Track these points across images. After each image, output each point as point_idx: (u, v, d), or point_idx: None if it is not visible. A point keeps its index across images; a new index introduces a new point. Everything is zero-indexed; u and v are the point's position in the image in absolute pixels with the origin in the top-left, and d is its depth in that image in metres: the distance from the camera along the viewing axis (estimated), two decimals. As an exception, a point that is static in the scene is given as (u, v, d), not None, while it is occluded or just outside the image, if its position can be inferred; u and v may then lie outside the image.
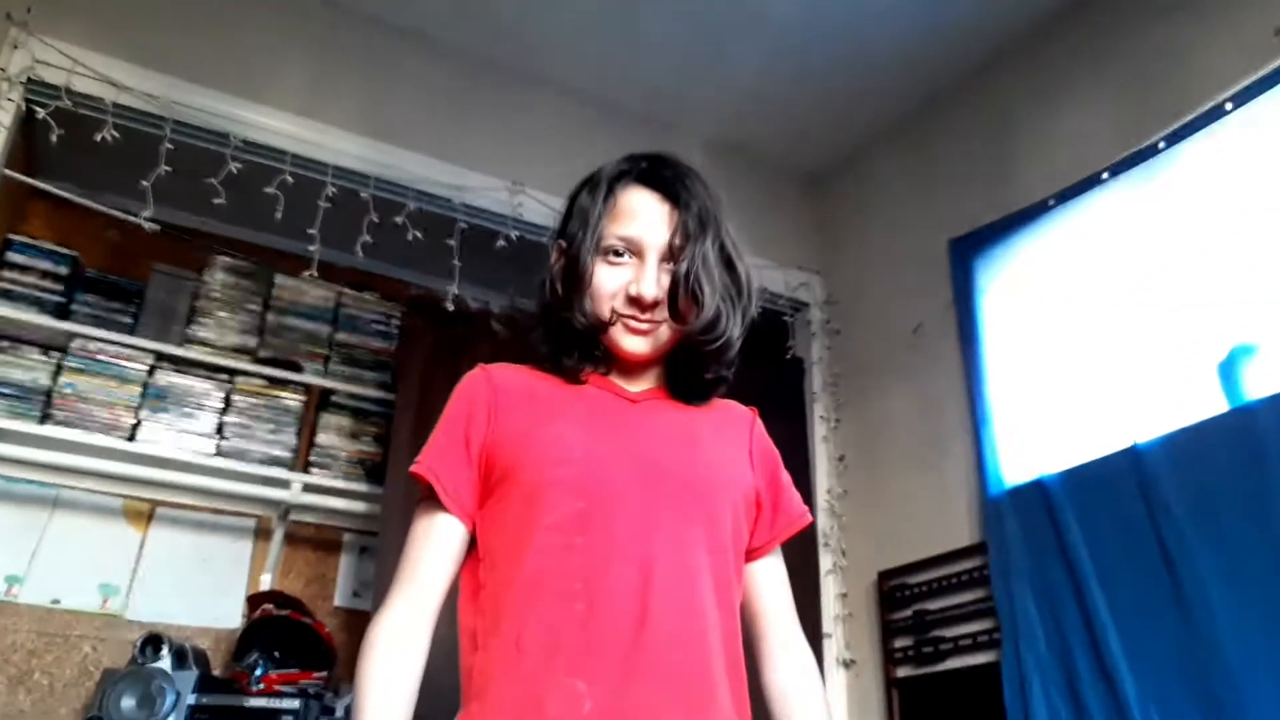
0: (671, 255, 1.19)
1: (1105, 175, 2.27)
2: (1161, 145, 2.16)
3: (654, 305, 1.18)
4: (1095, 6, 2.45)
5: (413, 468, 1.17)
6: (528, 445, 1.14)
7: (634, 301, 1.18)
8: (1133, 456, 2.01)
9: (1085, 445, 2.13)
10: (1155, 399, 2.02)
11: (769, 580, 1.28)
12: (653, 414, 1.22)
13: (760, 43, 2.72)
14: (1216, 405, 1.91)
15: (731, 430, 1.28)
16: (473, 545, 1.16)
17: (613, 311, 1.19)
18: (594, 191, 1.23)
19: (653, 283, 1.18)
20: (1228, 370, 1.92)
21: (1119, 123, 2.29)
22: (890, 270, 2.91)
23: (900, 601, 2.52)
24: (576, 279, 1.20)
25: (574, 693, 1.01)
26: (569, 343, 1.22)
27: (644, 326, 1.19)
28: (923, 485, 2.59)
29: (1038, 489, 2.19)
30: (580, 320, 1.19)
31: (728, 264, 1.22)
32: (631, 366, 1.24)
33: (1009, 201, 2.50)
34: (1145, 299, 2.12)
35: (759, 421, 1.32)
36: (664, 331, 1.20)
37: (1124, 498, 2.00)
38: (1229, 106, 2.04)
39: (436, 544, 1.14)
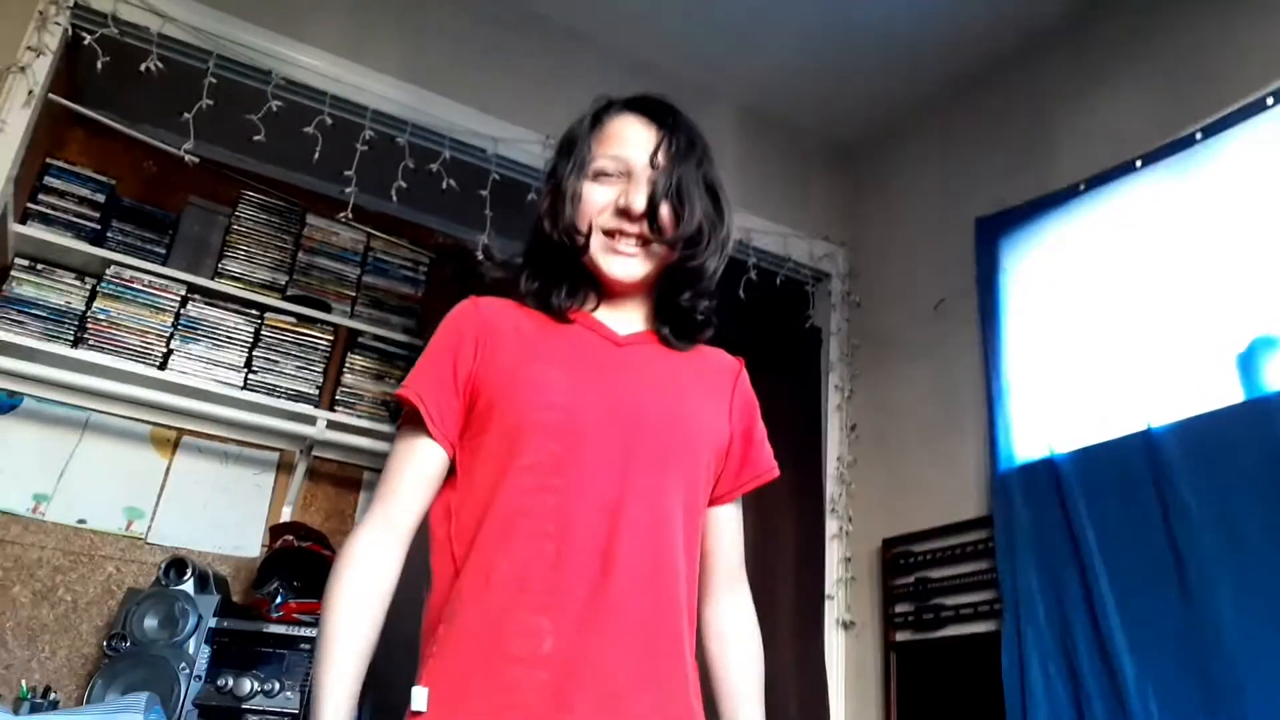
0: (656, 172, 1.19)
1: (1139, 163, 2.28)
2: (1199, 136, 2.17)
3: (643, 217, 1.18)
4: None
5: (399, 390, 1.18)
6: (511, 384, 1.14)
7: (623, 213, 1.18)
8: (1145, 440, 2.04)
9: (1099, 427, 2.17)
10: (1172, 385, 2.05)
11: (725, 526, 1.30)
12: (637, 359, 1.22)
13: (800, 13, 2.72)
14: (1233, 395, 1.94)
15: (715, 380, 1.29)
16: (451, 471, 1.17)
17: (595, 227, 1.19)
18: (581, 123, 1.25)
19: (643, 195, 1.18)
20: (1247, 361, 1.94)
21: (1156, 112, 2.30)
22: (915, 245, 2.93)
23: (904, 569, 2.57)
24: (563, 201, 1.20)
25: (537, 629, 1.04)
26: (556, 275, 1.23)
27: (629, 249, 1.20)
28: (932, 457, 2.63)
29: (1048, 466, 2.22)
30: (561, 235, 1.19)
31: (711, 194, 1.24)
32: (618, 300, 1.24)
33: (1039, 184, 2.52)
34: (1169, 287, 2.14)
35: (744, 373, 1.33)
36: (649, 254, 1.21)
37: (1134, 480, 2.03)
38: (1270, 101, 2.05)
39: (416, 469, 1.15)
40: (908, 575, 2.55)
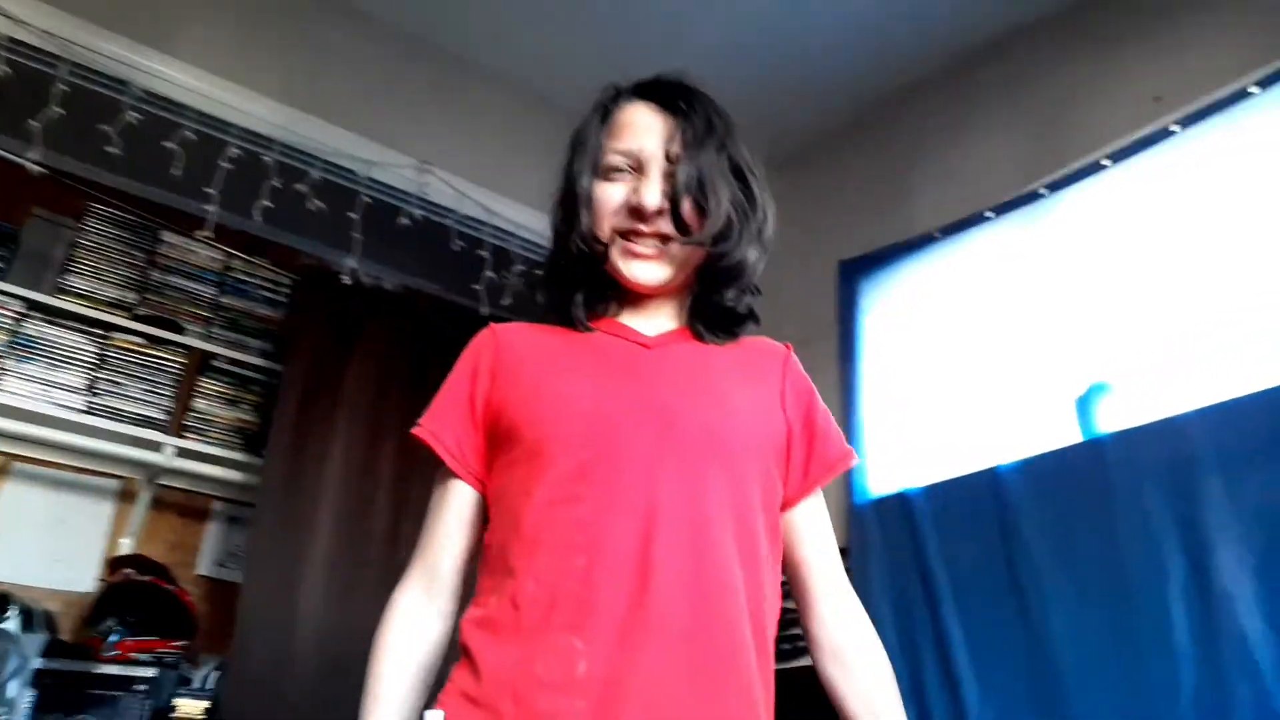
0: (673, 164, 1.10)
1: (990, 214, 2.42)
2: (1043, 192, 2.32)
3: (657, 215, 1.08)
4: (1001, 50, 2.60)
5: (413, 430, 1.11)
6: (532, 402, 1.06)
7: (635, 213, 1.09)
8: (992, 478, 2.15)
9: (950, 464, 2.27)
10: (1018, 426, 2.17)
11: (807, 529, 1.16)
12: (668, 358, 1.11)
13: (678, 52, 2.76)
14: (1072, 436, 2.07)
15: (761, 370, 1.16)
16: (487, 509, 1.10)
17: (613, 231, 1.10)
18: (589, 118, 1.16)
19: (656, 190, 1.08)
20: (1084, 405, 2.08)
21: (1011, 165, 2.45)
22: (781, 283, 3.00)
23: (765, 603, 2.61)
24: (577, 204, 1.11)
25: (569, 651, 0.93)
26: (574, 285, 1.14)
27: (647, 250, 1.10)
28: (794, 492, 2.69)
29: (900, 501, 2.32)
30: (578, 244, 1.10)
31: (739, 177, 1.13)
32: (644, 303, 1.14)
33: (900, 229, 2.64)
34: (1015, 332, 2.27)
35: (794, 358, 1.20)
36: (674, 255, 1.11)
37: (981, 516, 2.14)
38: (1107, 163, 2.22)
39: (447, 512, 1.10)
40: (768, 608, 2.58)
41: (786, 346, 1.21)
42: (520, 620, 0.96)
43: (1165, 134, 2.13)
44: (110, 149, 2.19)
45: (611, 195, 1.11)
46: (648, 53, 2.73)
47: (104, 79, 2.28)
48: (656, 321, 1.15)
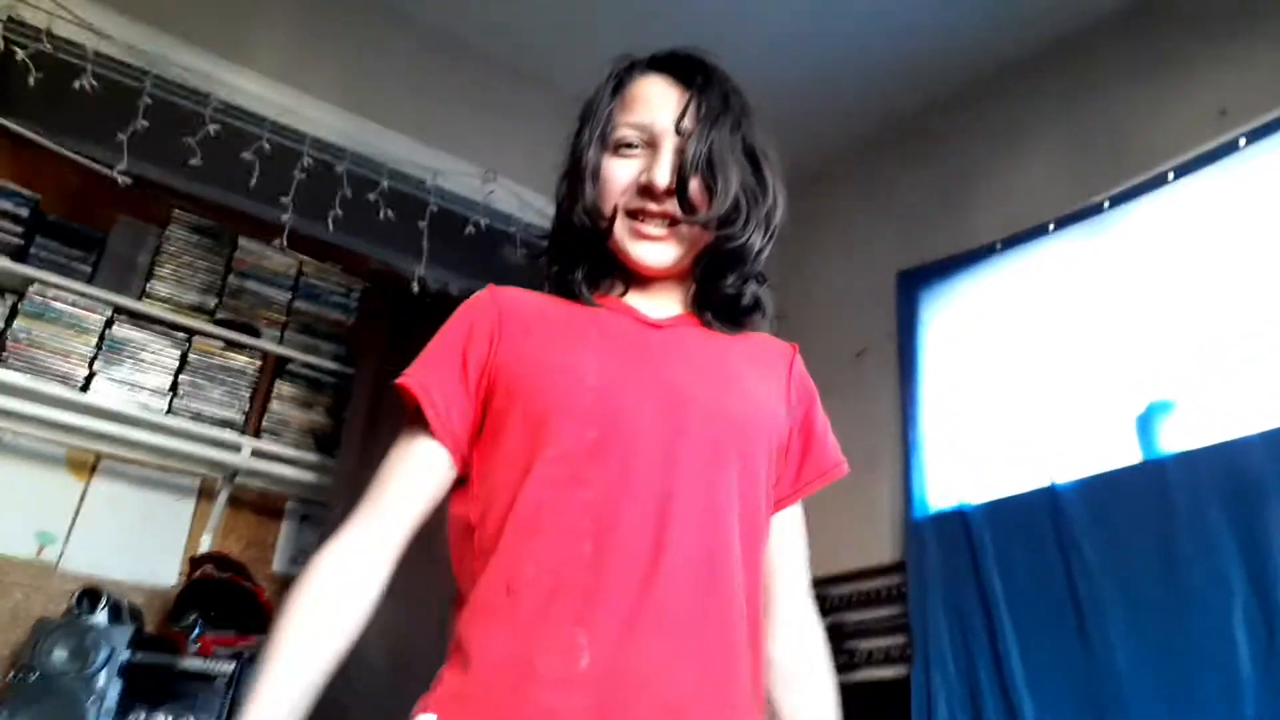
0: (684, 140, 1.04)
1: (1052, 226, 2.40)
2: (1106, 205, 2.30)
3: (668, 194, 1.03)
4: (1062, 60, 2.58)
5: (399, 379, 1.00)
6: (533, 371, 0.99)
7: (645, 191, 1.03)
8: (1050, 495, 2.14)
9: (1008, 480, 2.27)
10: (1076, 443, 2.16)
11: (787, 535, 1.11)
12: (678, 340, 1.06)
13: (736, 55, 2.78)
14: (1132, 455, 2.05)
15: (769, 363, 1.12)
16: (463, 482, 1.01)
17: (619, 209, 1.05)
18: (601, 88, 1.10)
19: (668, 168, 1.03)
20: (1145, 423, 2.06)
21: (1071, 177, 2.43)
22: (840, 293, 3.02)
23: (820, 612, 2.62)
24: (582, 178, 1.05)
25: (572, 644, 0.86)
26: (579, 259, 1.08)
27: (656, 231, 1.05)
28: (850, 502, 2.70)
29: (959, 517, 2.32)
30: (582, 217, 1.05)
31: (752, 159, 1.08)
32: (650, 285, 1.09)
33: (959, 240, 2.63)
34: (1076, 347, 2.26)
35: (799, 358, 1.16)
36: (681, 237, 1.05)
37: (1039, 533, 2.13)
38: (1171, 176, 2.19)
39: (413, 472, 0.98)
40: (824, 618, 2.60)
41: (793, 346, 1.17)
42: (516, 608, 0.88)
43: (1232, 148, 2.09)
44: (192, 161, 2.27)
45: (620, 173, 1.05)
46: (704, 45, 2.76)
47: (185, 91, 2.36)
48: (662, 304, 1.09)
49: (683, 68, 1.09)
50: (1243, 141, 2.08)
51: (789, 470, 1.10)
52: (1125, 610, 1.95)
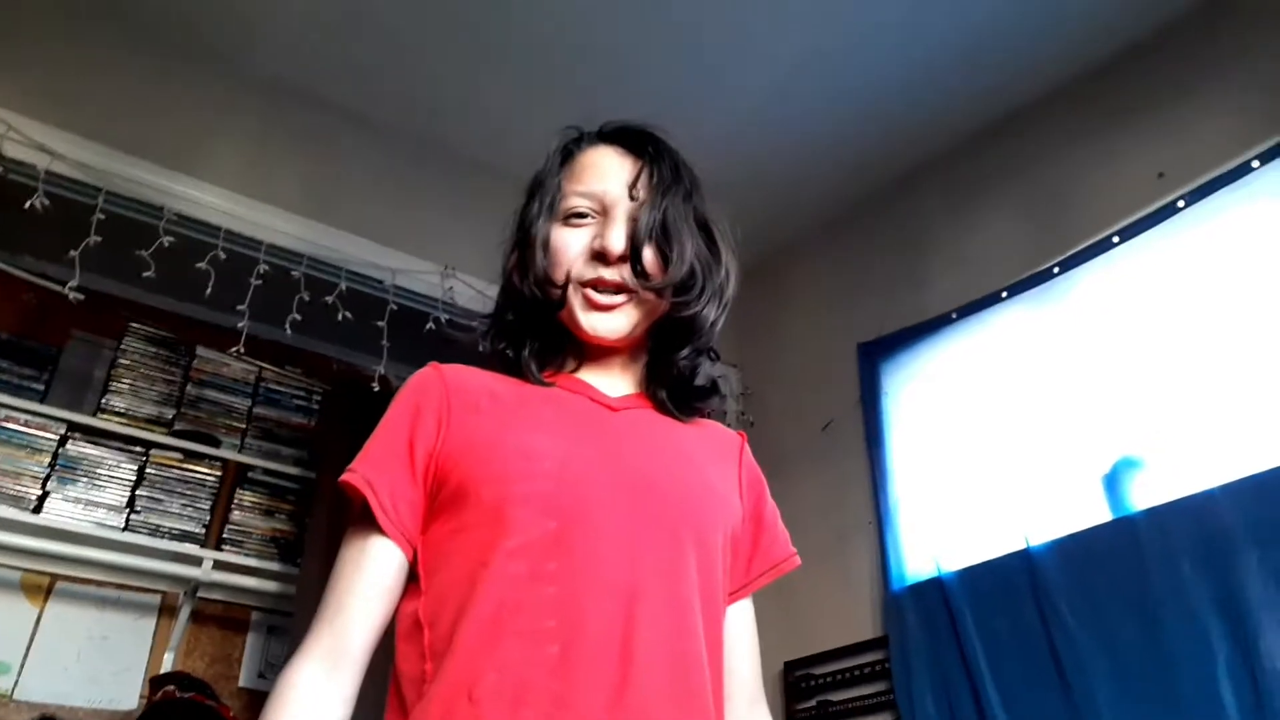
0: (637, 207, 1.03)
1: (1004, 294, 2.45)
2: (1056, 270, 2.35)
3: (621, 261, 1.01)
4: (1009, 133, 2.65)
5: (343, 477, 0.95)
6: (487, 456, 0.94)
7: (598, 257, 1.01)
8: (1025, 558, 2.14)
9: (982, 544, 2.26)
10: (1047, 504, 2.17)
11: (739, 631, 1.08)
12: (635, 423, 1.03)
13: (697, 136, 2.84)
14: (1101, 514, 2.06)
15: (721, 452, 1.10)
16: (413, 577, 0.95)
17: (570, 278, 1.02)
18: (549, 160, 1.10)
19: (622, 234, 1.01)
20: (1112, 481, 2.08)
21: (1021, 245, 2.48)
22: (804, 367, 3.04)
23: (805, 692, 2.58)
24: (532, 248, 1.03)
25: None
26: (527, 335, 1.06)
27: (608, 300, 1.02)
28: (828, 578, 2.68)
29: (936, 585, 2.30)
30: (533, 289, 1.02)
31: (705, 231, 1.07)
32: (601, 360, 1.06)
33: (917, 311, 2.67)
34: (1038, 410, 2.28)
35: (748, 448, 1.14)
36: (633, 308, 1.03)
37: (1017, 597, 2.12)
38: (1115, 240, 2.25)
39: (367, 577, 0.93)
40: (809, 699, 2.56)
41: (741, 435, 1.16)
42: (480, 718, 0.83)
43: (1171, 210, 2.16)
44: (146, 274, 2.26)
45: (571, 242, 1.03)
46: (664, 124, 2.81)
47: (139, 205, 2.35)
48: (613, 381, 1.06)
49: (633, 139, 1.09)
50: (1181, 203, 2.14)
51: (739, 563, 1.07)
52: (1110, 671, 1.93)
